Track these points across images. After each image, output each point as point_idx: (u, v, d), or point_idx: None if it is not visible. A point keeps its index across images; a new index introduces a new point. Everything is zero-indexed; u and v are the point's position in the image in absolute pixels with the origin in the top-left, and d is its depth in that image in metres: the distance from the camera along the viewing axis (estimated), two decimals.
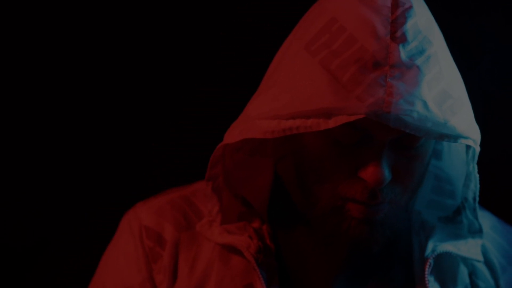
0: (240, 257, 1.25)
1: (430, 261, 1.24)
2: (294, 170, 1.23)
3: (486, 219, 1.35)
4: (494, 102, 1.64)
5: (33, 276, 1.46)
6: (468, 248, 1.27)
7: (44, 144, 1.73)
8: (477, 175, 1.24)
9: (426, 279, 1.23)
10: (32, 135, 1.71)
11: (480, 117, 1.23)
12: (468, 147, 1.24)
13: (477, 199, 1.27)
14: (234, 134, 1.20)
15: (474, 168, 1.23)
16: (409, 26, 1.14)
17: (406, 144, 1.17)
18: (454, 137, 1.15)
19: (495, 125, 1.59)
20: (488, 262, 1.31)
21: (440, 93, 1.14)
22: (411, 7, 1.15)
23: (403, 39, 1.13)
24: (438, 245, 1.25)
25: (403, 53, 1.13)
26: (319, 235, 1.23)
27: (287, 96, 1.15)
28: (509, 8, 1.62)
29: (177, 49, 1.72)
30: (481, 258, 1.28)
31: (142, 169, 1.56)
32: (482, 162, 1.26)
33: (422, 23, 1.16)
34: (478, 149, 1.20)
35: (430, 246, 1.25)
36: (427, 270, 1.23)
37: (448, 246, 1.26)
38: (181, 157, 1.69)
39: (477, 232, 1.28)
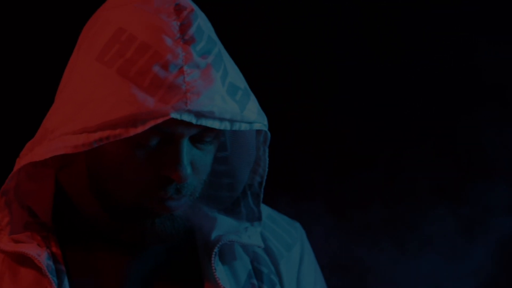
0: (29, 267, 1.26)
1: (215, 250, 1.30)
2: (87, 178, 1.27)
3: (262, 210, 1.41)
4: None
5: None
6: (248, 236, 1.35)
7: None
8: (267, 159, 1.32)
9: (213, 267, 1.29)
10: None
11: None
12: (257, 133, 1.31)
13: (263, 184, 1.34)
14: (40, 152, 1.21)
15: (265, 151, 1.31)
16: (195, 28, 1.21)
17: (203, 138, 1.23)
18: (250, 124, 1.23)
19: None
20: (267, 250, 1.40)
21: (231, 86, 1.22)
22: (193, 10, 1.22)
23: (193, 40, 1.20)
24: (221, 236, 1.32)
25: (195, 53, 1.19)
26: (114, 239, 1.28)
27: (90, 108, 1.18)
28: None
29: None
30: (261, 244, 1.36)
31: None
32: None
33: (203, 24, 1.23)
34: (268, 132, 1.28)
35: (213, 237, 1.32)
36: (213, 259, 1.29)
37: (231, 236, 1.33)
38: None
39: (256, 219, 1.36)
